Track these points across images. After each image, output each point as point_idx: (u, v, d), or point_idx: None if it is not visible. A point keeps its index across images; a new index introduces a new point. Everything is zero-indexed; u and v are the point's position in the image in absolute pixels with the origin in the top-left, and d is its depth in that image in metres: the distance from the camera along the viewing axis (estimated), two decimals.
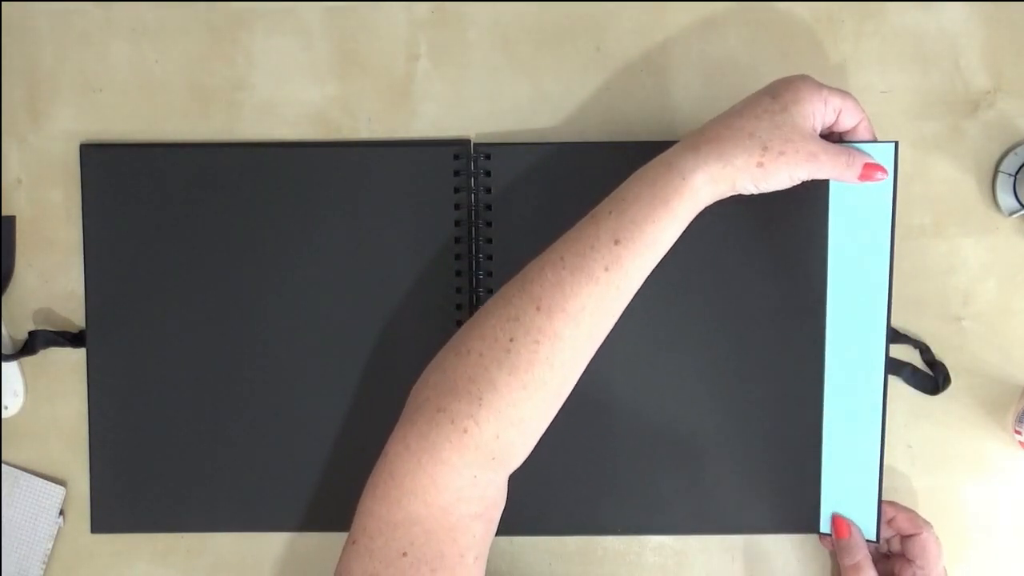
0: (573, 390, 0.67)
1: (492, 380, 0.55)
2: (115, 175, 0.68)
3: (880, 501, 0.64)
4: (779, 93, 0.58)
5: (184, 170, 0.68)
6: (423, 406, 0.56)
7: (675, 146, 0.58)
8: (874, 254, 0.63)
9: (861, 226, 0.64)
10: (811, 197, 0.66)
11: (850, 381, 0.65)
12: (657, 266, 0.61)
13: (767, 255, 0.67)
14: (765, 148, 0.56)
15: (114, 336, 0.68)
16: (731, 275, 0.67)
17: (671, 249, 0.59)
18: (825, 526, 0.66)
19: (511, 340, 0.55)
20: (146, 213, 0.68)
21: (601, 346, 0.63)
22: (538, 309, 0.55)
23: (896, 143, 0.62)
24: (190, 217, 0.67)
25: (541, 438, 0.62)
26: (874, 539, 0.64)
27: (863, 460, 0.65)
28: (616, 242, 0.56)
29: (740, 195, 0.59)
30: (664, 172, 0.57)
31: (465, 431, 0.55)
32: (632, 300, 0.66)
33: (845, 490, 0.65)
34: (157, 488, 0.68)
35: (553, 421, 0.67)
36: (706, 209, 0.59)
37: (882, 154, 0.62)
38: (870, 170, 0.59)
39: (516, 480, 0.67)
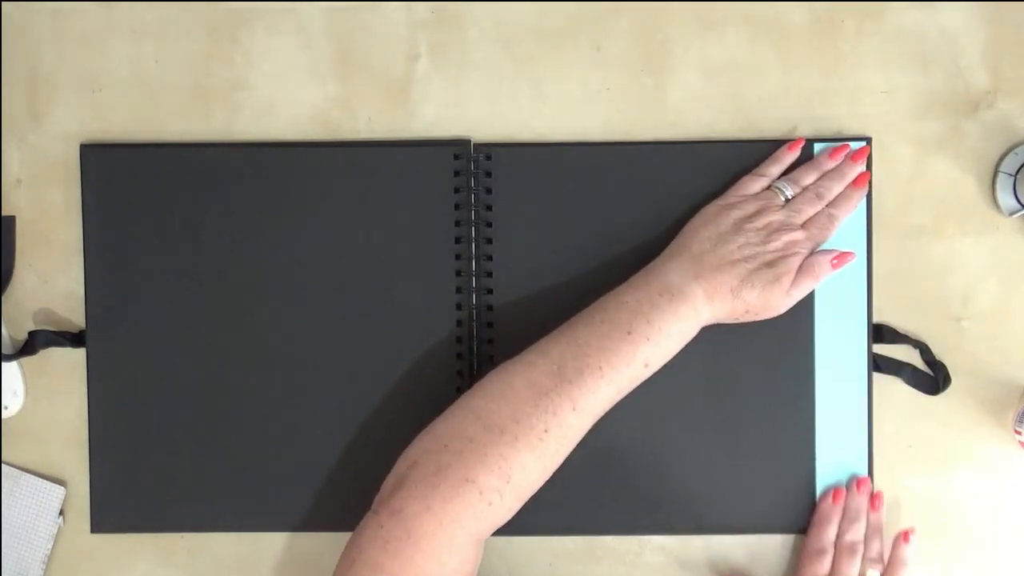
0: None
1: (524, 464, 0.58)
2: (115, 175, 0.68)
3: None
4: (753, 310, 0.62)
5: (184, 170, 0.68)
6: (446, 472, 0.57)
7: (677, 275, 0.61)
8: (855, 252, 0.65)
9: (844, 227, 0.65)
10: None
11: (838, 380, 0.67)
12: None
13: None
14: (747, 311, 0.62)
15: (114, 336, 0.68)
16: None
17: None
18: None
19: (545, 431, 0.58)
20: (146, 213, 0.68)
21: None
22: (573, 409, 0.58)
23: (869, 139, 0.66)
24: (190, 217, 0.67)
25: None
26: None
27: (854, 455, 0.67)
28: (645, 365, 0.60)
29: None
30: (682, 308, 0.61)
31: (490, 504, 0.57)
32: None
33: (839, 485, 0.67)
34: (157, 488, 0.68)
35: None
36: None
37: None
38: (842, 260, 0.64)
39: None
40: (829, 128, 0.68)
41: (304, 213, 0.67)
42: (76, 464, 0.69)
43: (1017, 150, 0.67)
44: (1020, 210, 0.66)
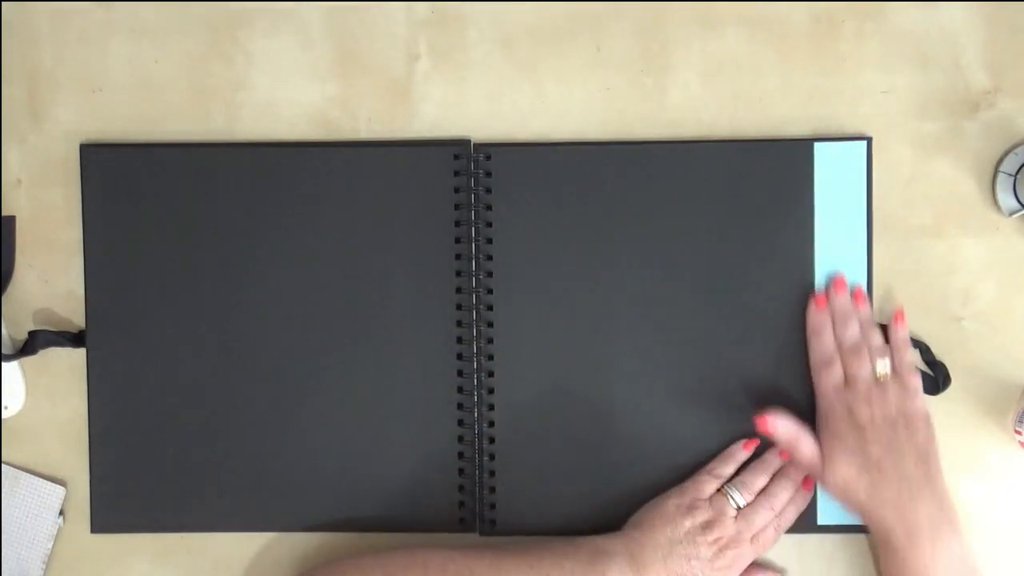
0: (573, 391, 0.67)
1: None
2: (115, 175, 0.68)
3: None
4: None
5: (184, 170, 0.68)
6: None
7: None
8: (855, 253, 0.66)
9: (843, 226, 0.66)
10: (798, 201, 0.66)
11: None
12: (656, 273, 0.65)
13: (756, 262, 0.67)
14: None
15: (114, 336, 0.68)
16: (724, 283, 0.67)
17: (667, 263, 0.65)
18: (823, 519, 0.67)
19: None
20: (146, 213, 0.68)
21: (601, 348, 0.65)
22: None
23: (869, 139, 0.66)
24: (190, 217, 0.67)
25: (541, 438, 0.63)
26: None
27: None
28: None
29: (728, 200, 0.64)
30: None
31: None
32: (632, 304, 0.67)
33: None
34: (157, 488, 0.68)
35: (553, 422, 0.67)
36: (699, 219, 0.64)
37: (854, 151, 0.66)
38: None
39: (516, 480, 0.67)
40: (829, 128, 0.68)
41: (304, 213, 0.67)
42: (76, 464, 0.69)
43: (1017, 150, 0.67)
44: (1020, 210, 0.66)
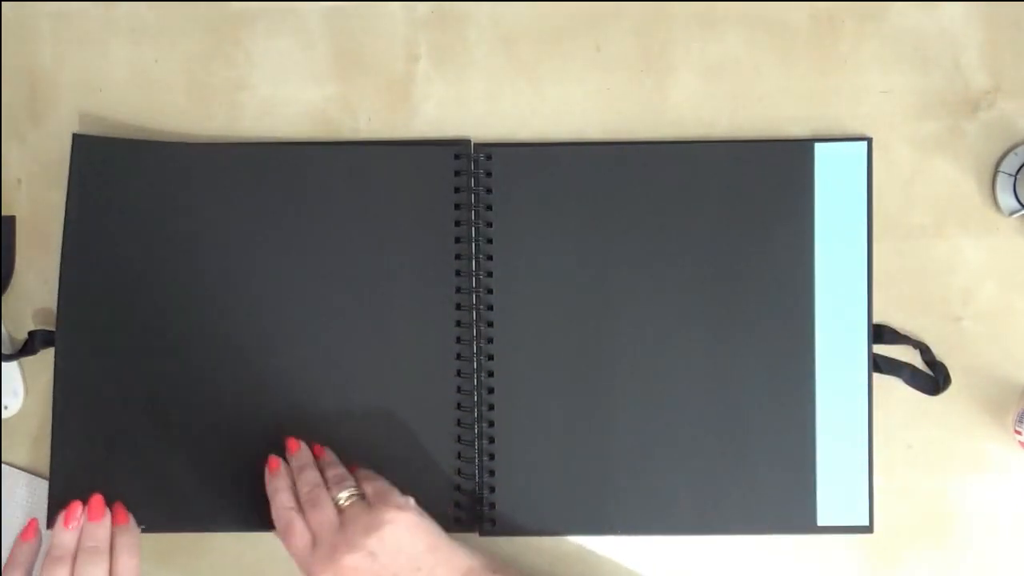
0: (573, 391, 0.67)
1: None
2: (111, 172, 0.67)
3: (871, 491, 0.66)
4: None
5: (183, 169, 0.67)
6: None
7: None
8: (855, 253, 0.66)
9: (843, 226, 0.66)
10: (798, 201, 0.67)
11: (839, 379, 0.67)
12: (656, 273, 0.65)
13: (756, 262, 0.67)
14: None
15: (114, 336, 0.67)
16: (725, 284, 0.67)
17: (667, 263, 0.65)
18: (823, 519, 0.66)
19: None
20: (145, 211, 0.67)
21: (601, 348, 0.65)
22: None
23: (869, 139, 0.66)
24: (189, 216, 0.67)
25: (541, 439, 0.62)
26: (866, 524, 0.66)
27: (854, 454, 0.67)
28: None
29: (728, 200, 0.63)
30: None
31: None
32: (632, 304, 0.67)
33: (839, 485, 0.67)
34: (156, 488, 0.68)
35: (553, 422, 0.67)
36: (699, 219, 0.64)
37: (855, 152, 0.66)
38: None
39: (516, 480, 0.67)
40: (829, 128, 0.68)
41: (304, 213, 0.67)
42: None
43: (1017, 150, 0.67)
44: (1020, 210, 0.66)
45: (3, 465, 0.68)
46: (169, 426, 0.67)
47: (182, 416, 0.67)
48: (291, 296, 0.67)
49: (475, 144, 0.68)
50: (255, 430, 0.67)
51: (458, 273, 0.67)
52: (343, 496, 0.61)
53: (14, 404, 0.68)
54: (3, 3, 0.69)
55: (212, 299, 0.67)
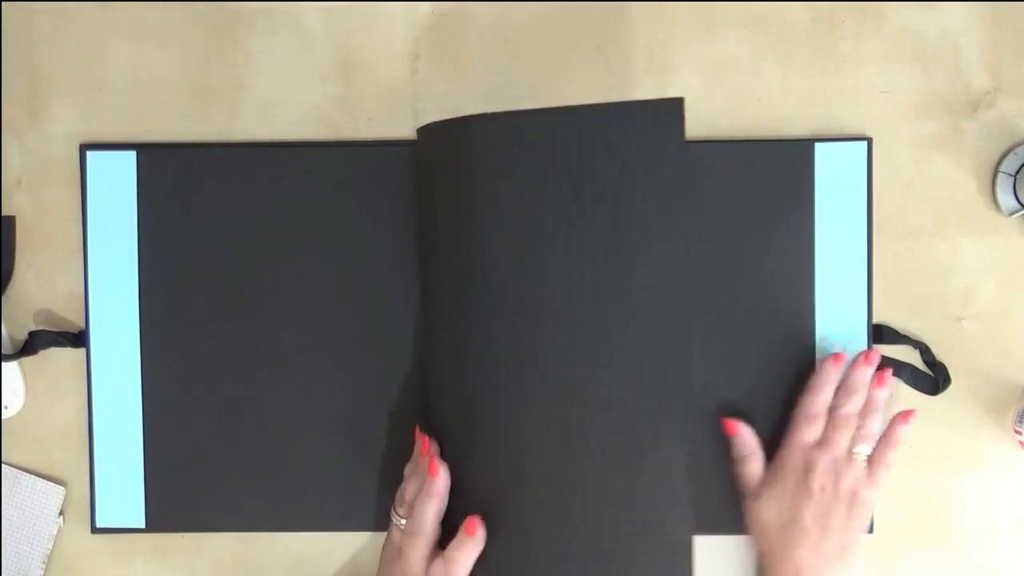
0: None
1: None
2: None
3: None
4: None
5: (183, 170, 0.67)
6: None
7: None
8: (855, 254, 0.66)
9: (843, 226, 0.67)
10: (798, 201, 0.66)
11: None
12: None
13: (756, 262, 0.67)
14: None
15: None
16: (725, 283, 0.67)
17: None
18: None
19: None
20: (145, 213, 0.68)
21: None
22: None
23: (869, 139, 0.67)
24: (189, 217, 0.67)
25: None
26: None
27: None
28: None
29: (728, 200, 0.61)
30: None
31: None
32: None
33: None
34: (157, 489, 0.68)
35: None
36: (699, 218, 0.62)
37: (855, 152, 0.66)
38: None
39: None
40: (829, 128, 0.68)
41: (304, 213, 0.67)
42: (76, 464, 0.69)
43: (1017, 150, 0.67)
44: (1020, 210, 0.66)
45: (3, 465, 0.68)
46: (174, 426, 0.67)
47: (184, 416, 0.67)
48: (291, 297, 0.67)
49: None
50: (255, 430, 0.67)
51: None
52: (860, 448, 0.64)
53: (14, 404, 0.68)
54: (3, 3, 0.69)
55: (212, 300, 0.67)
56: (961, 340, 0.68)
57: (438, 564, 0.59)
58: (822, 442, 0.63)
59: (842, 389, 0.65)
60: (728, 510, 0.67)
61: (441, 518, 0.60)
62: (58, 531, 0.69)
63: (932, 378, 0.67)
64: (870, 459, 0.64)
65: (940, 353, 0.68)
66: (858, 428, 0.64)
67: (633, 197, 0.58)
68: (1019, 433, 0.66)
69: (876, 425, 0.64)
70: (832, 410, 0.64)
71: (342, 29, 0.68)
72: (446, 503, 0.60)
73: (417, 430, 0.63)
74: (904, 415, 0.65)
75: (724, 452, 0.67)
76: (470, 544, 0.59)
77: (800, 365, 0.67)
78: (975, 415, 0.68)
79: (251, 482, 0.68)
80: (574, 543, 0.59)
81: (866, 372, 0.65)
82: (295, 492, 0.68)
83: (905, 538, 0.68)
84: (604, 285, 0.59)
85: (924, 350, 0.67)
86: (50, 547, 0.69)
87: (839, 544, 0.62)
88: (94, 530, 0.68)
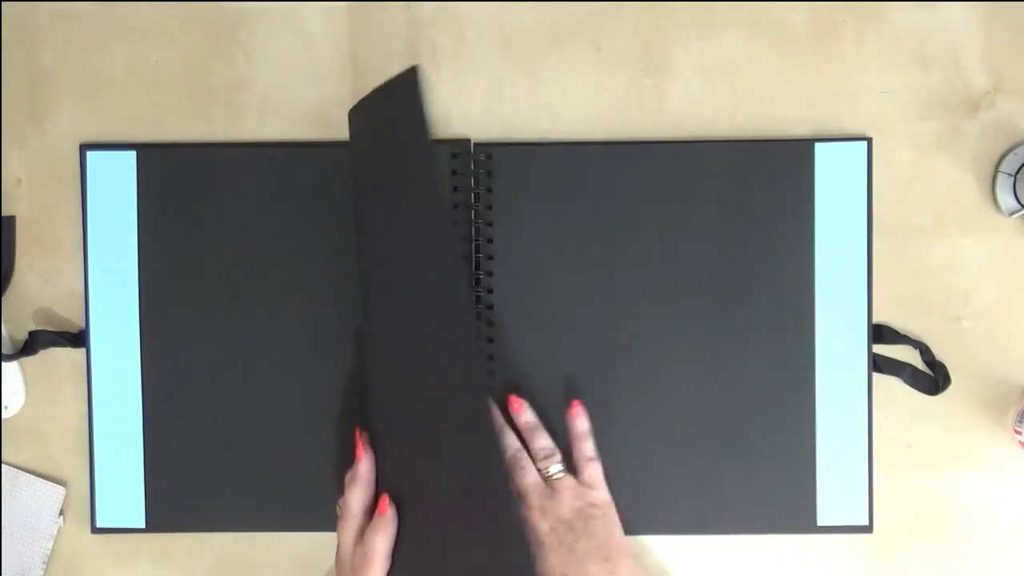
0: (574, 391, 0.67)
1: None
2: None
3: (871, 491, 0.67)
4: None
5: (184, 170, 0.68)
6: None
7: None
8: (855, 253, 0.66)
9: (843, 226, 0.67)
10: (798, 201, 0.66)
11: (839, 379, 0.67)
12: (656, 273, 0.64)
13: (757, 262, 0.67)
14: None
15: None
16: (725, 283, 0.67)
17: (667, 264, 0.65)
18: (823, 519, 0.66)
19: None
20: (145, 213, 0.68)
21: (602, 348, 0.66)
22: None
23: (869, 139, 0.67)
24: (189, 217, 0.67)
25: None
26: (866, 524, 0.67)
27: (854, 454, 0.67)
28: None
29: (728, 200, 0.63)
30: None
31: None
32: (632, 305, 0.67)
33: (839, 485, 0.67)
34: (157, 488, 0.68)
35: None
36: (699, 219, 0.63)
37: (855, 152, 0.66)
38: None
39: None
40: (829, 128, 0.68)
41: (304, 213, 0.67)
42: (76, 464, 0.69)
43: (1017, 150, 0.67)
44: (1020, 210, 0.66)
45: (3, 465, 0.68)
46: (173, 426, 0.67)
47: (184, 416, 0.67)
48: (292, 296, 0.67)
49: (475, 144, 0.68)
50: (255, 430, 0.68)
51: None
52: (552, 470, 0.64)
53: (14, 404, 0.68)
54: (3, 3, 0.69)
55: (213, 300, 0.67)
56: (961, 340, 0.68)
57: (358, 548, 0.60)
58: (521, 493, 0.64)
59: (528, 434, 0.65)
60: (728, 509, 0.67)
61: (368, 504, 0.61)
62: (58, 531, 0.69)
63: (932, 378, 0.67)
64: (572, 466, 0.64)
65: (940, 353, 0.68)
66: (533, 456, 0.64)
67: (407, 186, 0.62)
68: (1019, 433, 0.66)
69: (543, 440, 0.65)
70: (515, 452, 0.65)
71: (342, 29, 0.68)
72: (372, 489, 0.62)
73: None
74: (572, 407, 0.66)
75: (712, 452, 0.67)
76: (382, 524, 0.60)
77: (800, 365, 0.67)
78: (975, 415, 0.68)
79: (251, 482, 0.68)
80: (458, 525, 0.60)
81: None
82: (295, 492, 0.68)
83: (905, 538, 0.68)
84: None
85: (924, 350, 0.67)
86: (50, 547, 0.69)
87: (599, 565, 0.61)
88: (94, 530, 0.68)
